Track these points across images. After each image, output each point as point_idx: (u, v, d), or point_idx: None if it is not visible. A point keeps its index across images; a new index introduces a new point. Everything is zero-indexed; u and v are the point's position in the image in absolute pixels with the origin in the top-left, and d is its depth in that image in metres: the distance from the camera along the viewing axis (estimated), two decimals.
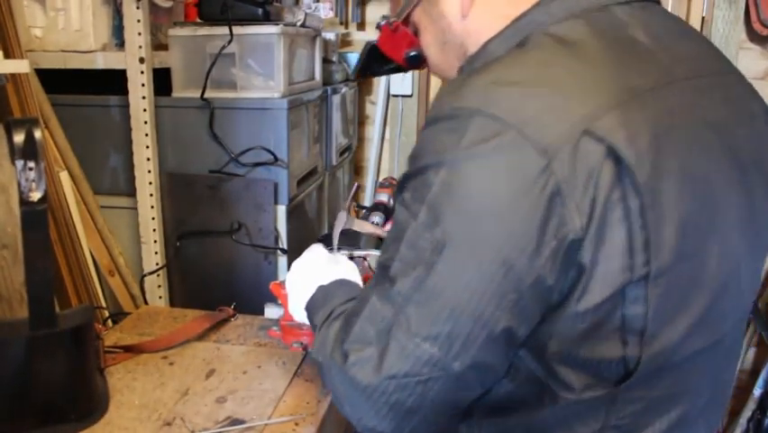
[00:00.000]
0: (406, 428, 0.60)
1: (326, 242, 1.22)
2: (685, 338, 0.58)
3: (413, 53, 0.82)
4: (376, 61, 0.92)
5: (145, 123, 1.33)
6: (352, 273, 0.89)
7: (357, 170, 2.24)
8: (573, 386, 0.59)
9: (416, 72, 2.10)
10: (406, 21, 0.80)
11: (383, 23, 0.83)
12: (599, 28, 0.62)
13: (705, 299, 0.59)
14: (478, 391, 0.62)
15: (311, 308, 0.82)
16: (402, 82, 2.12)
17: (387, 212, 1.47)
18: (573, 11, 0.63)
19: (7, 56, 1.12)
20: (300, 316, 0.89)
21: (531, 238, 0.53)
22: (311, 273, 0.88)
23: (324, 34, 1.73)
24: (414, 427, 0.60)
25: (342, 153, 1.88)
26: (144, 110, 1.33)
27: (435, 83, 2.15)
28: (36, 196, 0.82)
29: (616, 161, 0.52)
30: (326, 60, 1.79)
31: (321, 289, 0.83)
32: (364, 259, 1.14)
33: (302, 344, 1.11)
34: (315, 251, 0.95)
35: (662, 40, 0.63)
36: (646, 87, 0.58)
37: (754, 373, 2.16)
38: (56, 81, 1.34)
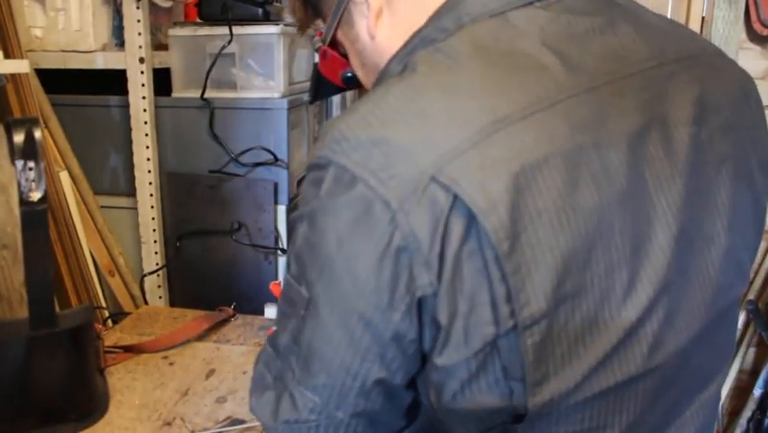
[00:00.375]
0: None
1: None
2: (587, 379, 0.53)
3: (348, 74, 0.81)
4: (323, 83, 0.90)
5: (145, 123, 1.33)
6: None
7: None
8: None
9: None
10: (333, 44, 0.77)
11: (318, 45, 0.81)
12: (483, 43, 0.55)
13: (612, 335, 0.53)
14: None
15: None
16: None
17: None
18: (462, 21, 0.57)
19: (7, 56, 1.12)
20: None
21: (383, 294, 0.50)
22: None
23: None
24: None
25: None
26: (144, 110, 1.33)
27: None
28: (36, 196, 0.82)
29: (465, 209, 0.47)
30: None
31: None
32: None
33: None
34: None
35: (565, 44, 0.55)
36: (520, 113, 0.50)
37: (754, 373, 2.16)
38: (56, 81, 1.34)
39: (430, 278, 0.49)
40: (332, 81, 0.83)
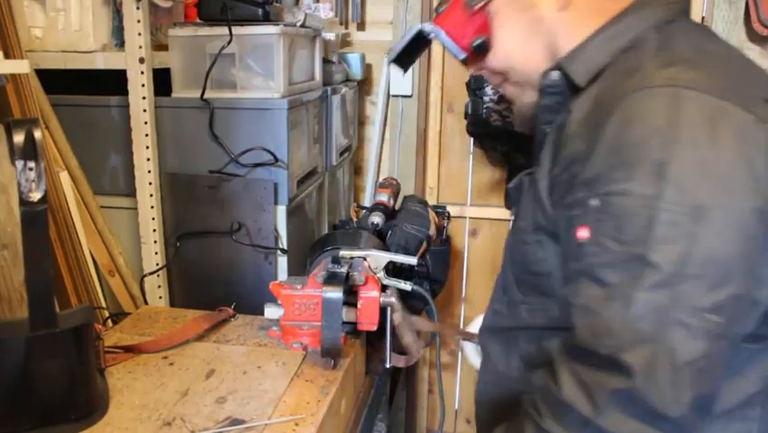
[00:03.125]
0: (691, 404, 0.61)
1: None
2: None
3: (479, 41, 0.81)
4: (416, 50, 0.91)
5: (145, 123, 1.33)
6: None
7: (357, 171, 2.24)
8: None
9: (416, 72, 2.10)
10: (484, 6, 0.79)
11: (444, 7, 0.82)
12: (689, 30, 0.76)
13: None
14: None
15: None
16: (402, 83, 2.12)
17: (386, 212, 1.47)
18: (659, 21, 0.73)
19: (7, 56, 1.12)
20: None
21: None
22: None
23: (323, 34, 1.73)
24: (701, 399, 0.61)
25: (342, 154, 1.88)
26: (144, 110, 1.33)
27: (435, 83, 2.15)
28: (36, 196, 0.82)
29: None
30: (326, 61, 1.79)
31: None
32: (364, 259, 1.14)
33: (302, 344, 1.11)
34: None
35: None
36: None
37: None
38: (56, 81, 1.34)
39: None
40: (453, 41, 0.83)
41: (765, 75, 0.71)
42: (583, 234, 0.65)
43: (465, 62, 0.86)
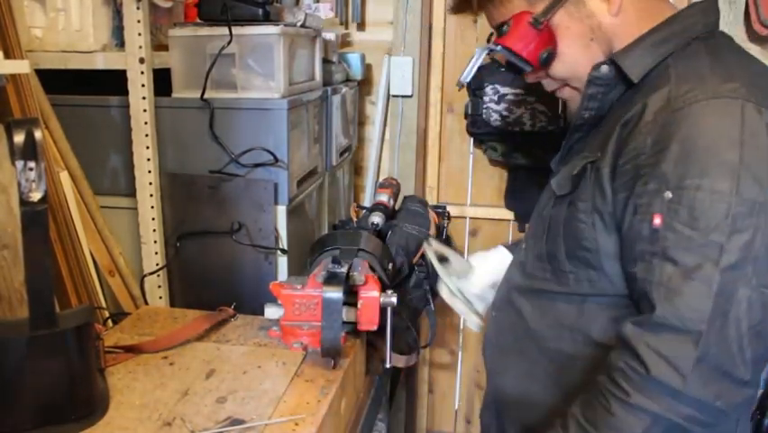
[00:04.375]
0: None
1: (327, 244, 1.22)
2: None
3: (547, 53, 0.92)
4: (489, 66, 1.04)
5: (145, 123, 1.33)
6: None
7: (357, 171, 2.24)
8: None
9: (416, 72, 2.10)
10: (548, 22, 0.90)
11: (506, 28, 0.92)
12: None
13: None
14: None
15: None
16: (402, 83, 2.12)
17: (386, 212, 1.47)
18: (698, 33, 0.86)
19: (7, 56, 1.12)
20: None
21: None
22: None
23: (324, 34, 1.73)
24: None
25: (342, 154, 1.89)
26: (144, 110, 1.33)
27: (435, 83, 2.16)
28: (36, 196, 0.82)
29: None
30: (326, 61, 1.79)
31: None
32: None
33: (302, 344, 1.11)
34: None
35: None
36: None
37: None
38: (56, 81, 1.34)
39: None
40: (522, 57, 0.92)
41: None
42: (658, 221, 0.76)
43: (524, 72, 0.96)
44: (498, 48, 0.94)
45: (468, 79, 1.03)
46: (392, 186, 1.61)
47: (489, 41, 0.96)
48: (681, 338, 0.72)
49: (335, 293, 1.01)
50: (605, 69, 0.88)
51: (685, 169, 0.74)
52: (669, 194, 0.75)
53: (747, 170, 0.72)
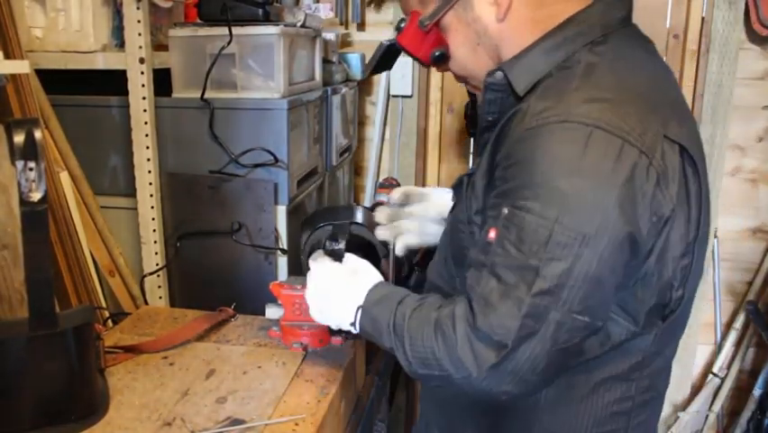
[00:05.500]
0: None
1: (315, 222, 1.21)
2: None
3: (438, 53, 0.91)
4: (389, 60, 1.01)
5: (145, 123, 1.34)
6: (373, 275, 0.97)
7: (357, 171, 2.24)
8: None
9: (416, 73, 2.10)
10: (437, 23, 0.88)
11: (403, 25, 0.91)
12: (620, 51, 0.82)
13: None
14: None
15: (370, 331, 0.90)
16: (402, 83, 2.12)
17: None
18: (594, 37, 0.81)
19: (8, 57, 1.12)
20: (333, 321, 0.97)
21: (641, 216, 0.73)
22: (338, 292, 0.96)
23: (324, 35, 1.73)
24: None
25: (342, 154, 1.89)
26: (144, 110, 1.33)
27: (435, 83, 2.15)
28: (36, 196, 0.82)
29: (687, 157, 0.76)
30: (326, 61, 1.79)
31: (365, 311, 0.91)
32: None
33: (302, 344, 1.11)
34: (326, 266, 1.01)
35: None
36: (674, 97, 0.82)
37: (754, 373, 2.16)
38: (56, 82, 1.34)
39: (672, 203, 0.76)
40: (414, 55, 0.93)
41: (678, 99, 0.84)
42: (492, 234, 0.77)
43: (431, 66, 0.96)
44: (395, 43, 0.94)
45: (367, 74, 1.05)
46: (392, 186, 1.60)
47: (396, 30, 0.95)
48: (489, 345, 0.75)
49: None
50: (499, 75, 0.85)
51: (522, 189, 0.74)
52: (505, 210, 0.76)
53: (579, 199, 0.71)
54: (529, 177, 0.74)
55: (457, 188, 0.93)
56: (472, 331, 0.77)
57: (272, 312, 1.14)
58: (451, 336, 0.78)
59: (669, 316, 0.82)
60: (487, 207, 0.82)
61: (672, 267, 0.78)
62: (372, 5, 2.14)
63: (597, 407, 0.85)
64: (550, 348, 0.74)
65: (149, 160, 1.35)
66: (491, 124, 0.89)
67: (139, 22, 1.28)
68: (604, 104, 0.74)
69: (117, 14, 1.37)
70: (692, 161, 0.77)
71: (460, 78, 0.97)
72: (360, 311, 0.90)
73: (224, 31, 1.33)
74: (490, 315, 0.75)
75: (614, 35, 0.82)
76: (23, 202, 0.82)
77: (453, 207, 0.98)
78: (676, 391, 2.24)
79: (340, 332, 1.12)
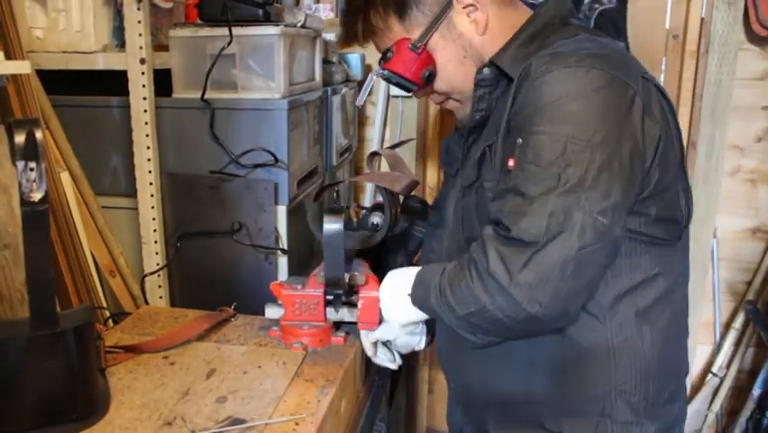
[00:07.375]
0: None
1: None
2: None
3: (428, 72, 1.03)
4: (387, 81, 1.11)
5: (146, 123, 1.34)
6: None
7: (357, 171, 2.25)
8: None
9: None
10: (425, 44, 1.01)
11: (390, 54, 1.03)
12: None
13: None
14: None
15: (420, 296, 0.99)
16: None
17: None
18: (556, 25, 0.99)
19: (8, 57, 1.13)
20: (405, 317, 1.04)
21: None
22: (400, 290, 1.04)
23: (324, 35, 1.73)
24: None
25: (342, 154, 1.89)
26: (145, 111, 1.33)
27: None
28: (37, 196, 0.83)
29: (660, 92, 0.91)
30: (326, 61, 1.79)
31: (416, 283, 1.00)
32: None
33: (302, 344, 1.11)
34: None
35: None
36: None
37: (754, 373, 2.17)
38: (57, 82, 1.34)
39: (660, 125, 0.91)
40: (406, 78, 1.05)
41: (637, 61, 0.96)
42: (511, 163, 0.88)
43: (412, 90, 1.08)
44: (386, 72, 1.04)
45: (362, 102, 1.18)
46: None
47: (379, 64, 1.06)
48: (521, 248, 0.83)
49: (335, 224, 1.02)
50: (487, 71, 0.99)
51: (535, 119, 0.86)
52: (520, 140, 0.86)
53: (587, 116, 0.84)
54: (540, 108, 0.85)
55: (481, 160, 0.99)
56: (503, 244, 0.84)
57: (272, 312, 1.15)
58: (481, 259, 0.86)
59: (684, 230, 0.96)
60: (504, 152, 0.92)
61: (675, 184, 0.92)
62: None
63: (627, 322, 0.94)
64: (577, 251, 0.81)
65: (149, 160, 1.36)
66: (478, 123, 1.02)
67: (139, 22, 1.28)
68: (594, 53, 0.88)
69: (118, 15, 1.37)
70: (665, 97, 0.91)
71: (441, 96, 1.09)
72: (414, 281, 0.99)
73: (225, 31, 1.34)
74: (521, 221, 0.83)
75: (570, 22, 1.00)
76: (24, 202, 0.82)
77: (471, 186, 1.02)
78: None
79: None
